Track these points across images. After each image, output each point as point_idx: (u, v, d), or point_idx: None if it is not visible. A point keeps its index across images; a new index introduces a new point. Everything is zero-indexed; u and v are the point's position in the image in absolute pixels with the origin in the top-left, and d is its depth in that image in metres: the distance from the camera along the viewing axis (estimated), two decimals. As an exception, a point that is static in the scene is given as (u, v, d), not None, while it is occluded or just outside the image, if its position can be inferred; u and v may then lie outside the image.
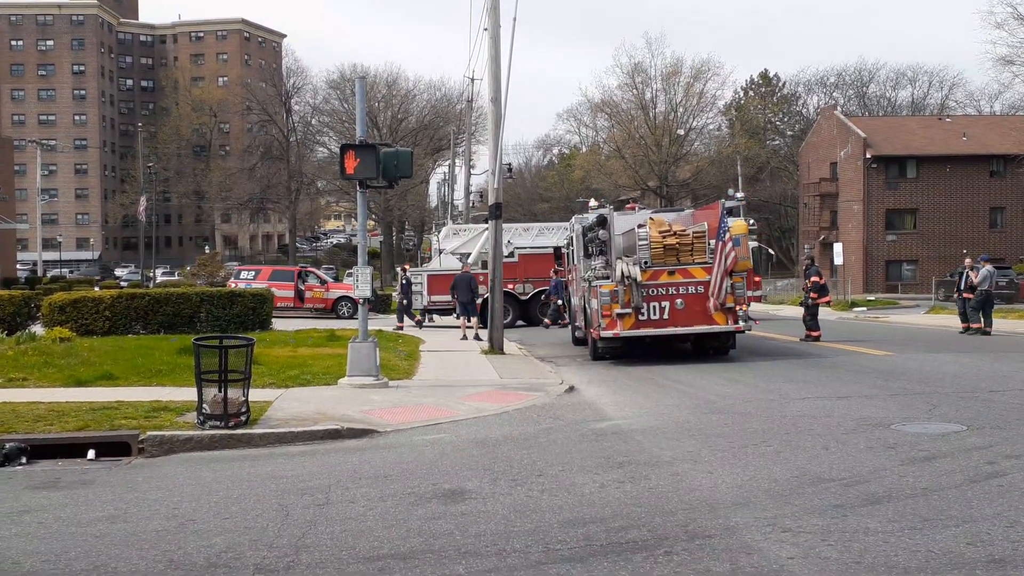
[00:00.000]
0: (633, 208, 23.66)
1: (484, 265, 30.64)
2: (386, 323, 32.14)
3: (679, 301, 18.35)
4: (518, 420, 11.98)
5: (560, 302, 30.20)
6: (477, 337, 24.76)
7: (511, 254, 32.47)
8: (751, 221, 21.52)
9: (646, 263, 18.50)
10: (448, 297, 31.79)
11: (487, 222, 23.72)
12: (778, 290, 59.07)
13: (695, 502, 7.47)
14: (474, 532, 6.82)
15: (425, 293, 32.59)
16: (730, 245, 17.92)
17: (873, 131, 64.94)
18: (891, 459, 8.80)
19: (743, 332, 18.92)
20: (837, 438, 9.91)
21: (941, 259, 59.39)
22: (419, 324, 30.90)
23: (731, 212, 18.80)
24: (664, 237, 18.83)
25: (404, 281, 31.67)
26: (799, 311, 26.60)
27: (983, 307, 25.67)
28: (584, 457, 9.42)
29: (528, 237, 34.95)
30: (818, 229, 69.68)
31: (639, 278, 18.18)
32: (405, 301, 31.16)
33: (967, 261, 27.57)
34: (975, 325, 25.68)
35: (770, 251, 44.84)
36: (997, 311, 31.02)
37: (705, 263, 18.56)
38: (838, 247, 47.24)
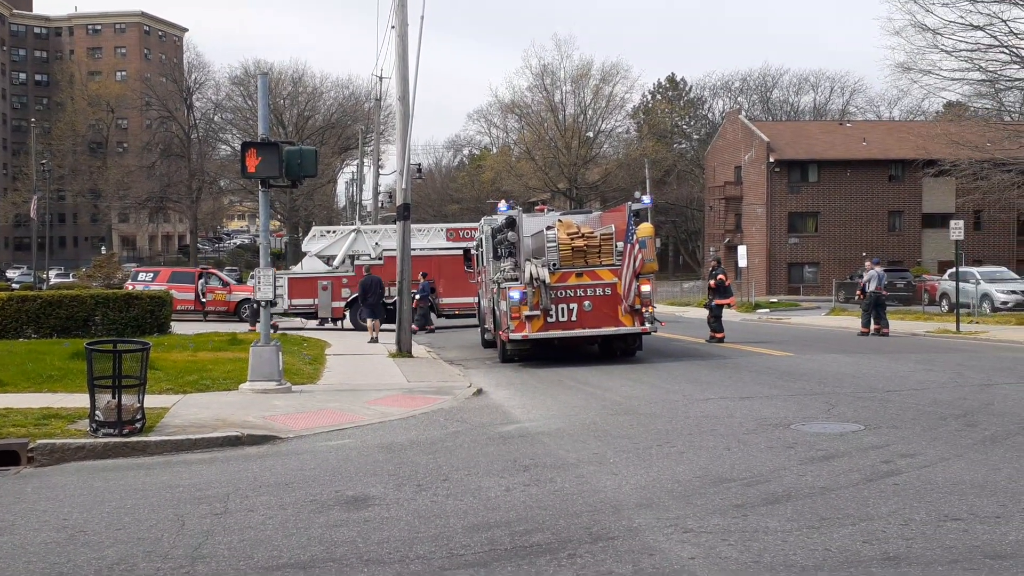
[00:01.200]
0: (542, 210, 23.73)
1: (359, 269, 30.77)
2: (288, 326, 31.63)
3: (587, 303, 18.53)
4: (424, 424, 11.87)
5: (428, 305, 29.73)
6: (376, 339, 24.57)
7: (379, 256, 32.47)
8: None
9: (555, 265, 18.68)
10: (310, 300, 31.69)
11: (395, 222, 23.48)
12: (684, 292, 60.05)
13: (599, 504, 7.48)
14: (377, 539, 6.70)
15: (286, 296, 32.09)
16: (638, 247, 18.11)
17: (776, 135, 66.54)
18: (790, 459, 8.96)
19: (649, 333, 19.16)
20: (739, 438, 10.05)
21: (842, 262, 61.09)
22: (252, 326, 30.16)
23: (638, 215, 18.97)
24: (572, 239, 19.03)
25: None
26: (704, 313, 27.02)
27: (875, 308, 26.41)
28: (490, 461, 9.38)
29: (397, 239, 34.60)
30: (723, 232, 71.10)
31: (548, 280, 18.28)
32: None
33: (867, 264, 28.36)
34: (864, 329, 26.39)
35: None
36: (895, 312, 32.10)
37: (612, 265, 18.80)
38: (742, 250, 48.21)
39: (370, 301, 25.76)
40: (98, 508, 7.89)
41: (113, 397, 10.42)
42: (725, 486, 7.92)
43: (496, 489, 8.09)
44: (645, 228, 18.80)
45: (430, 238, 34.26)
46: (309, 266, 33.80)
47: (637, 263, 18.10)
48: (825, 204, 64.11)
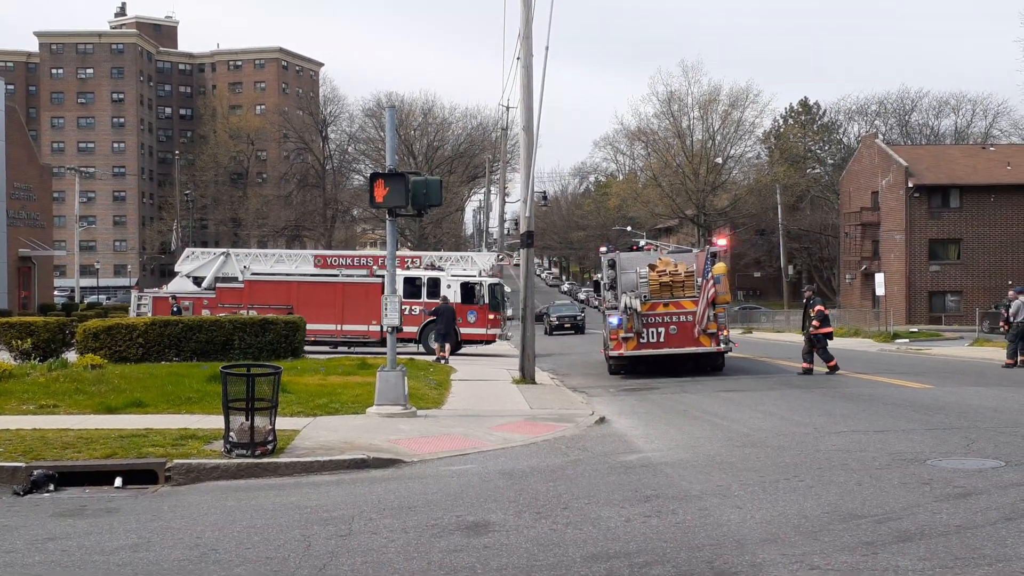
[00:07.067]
0: (649, 249, 27.41)
1: (220, 292, 32.40)
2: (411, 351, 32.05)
3: (672, 327, 22.74)
4: (546, 451, 11.86)
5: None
6: (445, 361, 25.75)
7: (240, 280, 32.95)
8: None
9: (645, 296, 22.89)
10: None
11: (519, 249, 24.10)
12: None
13: (722, 537, 7.31)
14: (495, 566, 6.71)
15: (150, 313, 32.11)
16: (712, 283, 22.23)
17: (915, 160, 64.22)
18: (925, 495, 8.59)
19: (725, 353, 23.28)
20: (871, 473, 9.69)
21: (986, 290, 58.34)
22: None
23: (715, 256, 23.32)
24: (660, 276, 23.26)
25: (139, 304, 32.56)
26: (832, 344, 25.91)
27: (1021, 339, 25.02)
28: (611, 490, 9.28)
29: (267, 263, 34.57)
30: (859, 259, 68.89)
31: (639, 309, 22.44)
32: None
33: (1011, 293, 26.94)
34: (1009, 361, 24.95)
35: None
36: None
37: (693, 297, 22.88)
38: (880, 277, 46.61)
39: (439, 328, 27.27)
40: (230, 527, 8.14)
41: (246, 419, 10.76)
42: (855, 522, 7.64)
43: (616, 519, 8.01)
44: (720, 267, 22.70)
45: (298, 264, 34.61)
46: (178, 286, 34.29)
47: (710, 295, 22.27)
48: (968, 231, 61.39)
